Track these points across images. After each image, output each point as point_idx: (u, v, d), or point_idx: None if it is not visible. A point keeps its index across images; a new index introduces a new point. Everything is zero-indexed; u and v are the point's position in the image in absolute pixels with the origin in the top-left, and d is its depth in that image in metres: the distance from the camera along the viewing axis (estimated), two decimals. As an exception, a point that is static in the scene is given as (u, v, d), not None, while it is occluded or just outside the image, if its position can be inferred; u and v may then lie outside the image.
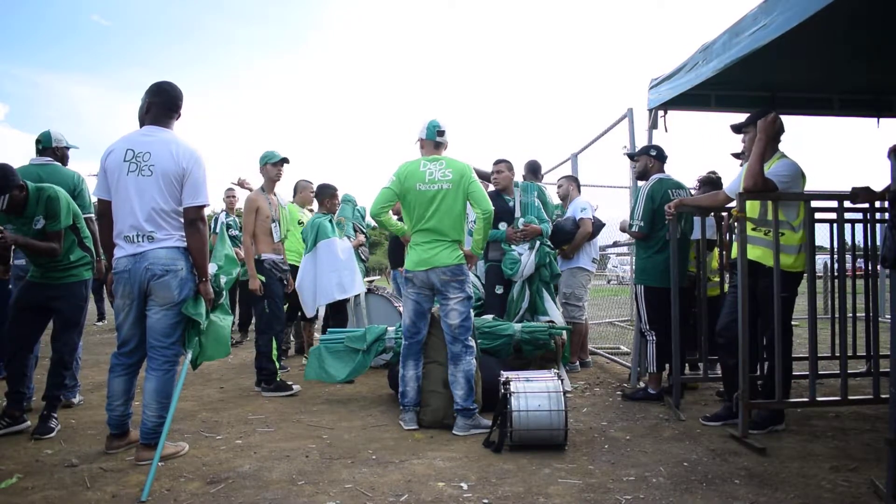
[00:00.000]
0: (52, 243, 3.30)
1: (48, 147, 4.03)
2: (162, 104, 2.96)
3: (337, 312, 5.37)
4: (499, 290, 4.83)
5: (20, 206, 3.25)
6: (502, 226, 4.81)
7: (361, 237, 5.93)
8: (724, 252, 4.07)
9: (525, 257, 4.66)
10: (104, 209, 2.93)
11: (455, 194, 3.47)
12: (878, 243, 3.76)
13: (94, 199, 3.67)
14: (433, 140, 3.61)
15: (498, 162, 4.89)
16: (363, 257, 5.92)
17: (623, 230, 4.90)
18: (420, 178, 3.47)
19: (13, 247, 3.38)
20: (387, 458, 2.96)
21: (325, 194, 5.46)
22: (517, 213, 4.79)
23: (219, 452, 3.05)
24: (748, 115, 3.50)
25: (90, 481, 2.64)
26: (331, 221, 5.39)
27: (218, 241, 3.47)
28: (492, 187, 4.92)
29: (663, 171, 4.28)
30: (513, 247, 4.71)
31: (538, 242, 4.74)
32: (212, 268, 3.11)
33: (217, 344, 3.15)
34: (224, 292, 3.18)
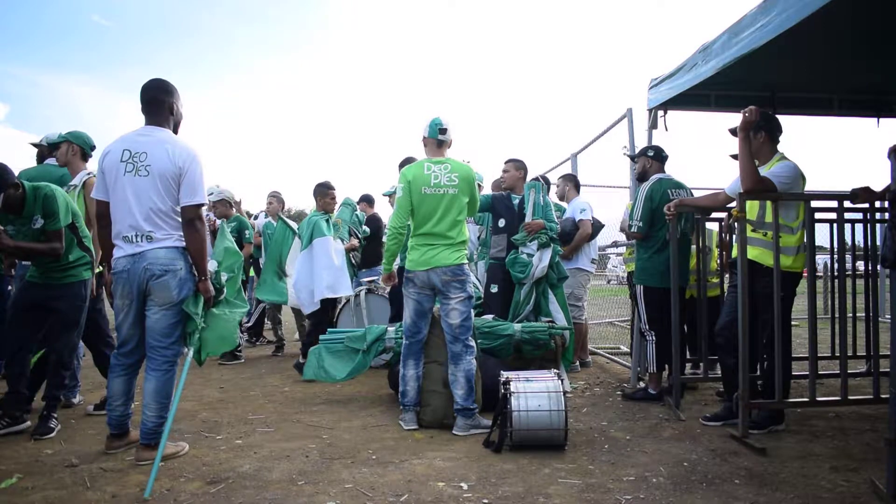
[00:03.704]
0: (52, 243, 3.28)
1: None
2: (148, 102, 2.96)
3: (322, 312, 5.31)
4: (493, 289, 4.82)
5: (17, 205, 3.24)
6: (501, 222, 4.82)
7: (355, 241, 5.88)
8: (724, 252, 4.07)
9: (536, 258, 4.60)
10: (103, 210, 2.93)
11: (461, 199, 3.48)
12: (878, 243, 3.77)
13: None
14: (435, 139, 3.59)
15: (506, 162, 4.90)
16: (353, 262, 5.87)
17: (623, 231, 4.90)
18: (425, 182, 3.47)
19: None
20: (387, 458, 2.96)
21: (318, 192, 5.47)
22: (528, 213, 4.74)
23: (219, 452, 3.05)
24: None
25: (90, 481, 2.64)
26: (327, 221, 5.37)
27: (218, 236, 3.44)
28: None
29: (663, 171, 4.28)
30: (522, 249, 4.67)
31: (547, 239, 4.69)
32: (212, 265, 3.11)
33: (221, 339, 3.13)
34: (225, 289, 3.18)
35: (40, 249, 3.27)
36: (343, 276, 5.25)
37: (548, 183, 5.84)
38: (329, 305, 5.34)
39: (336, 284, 5.19)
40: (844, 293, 3.56)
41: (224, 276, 3.17)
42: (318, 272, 5.16)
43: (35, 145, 4.34)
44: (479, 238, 5.71)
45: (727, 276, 4.13)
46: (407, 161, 5.30)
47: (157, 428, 2.88)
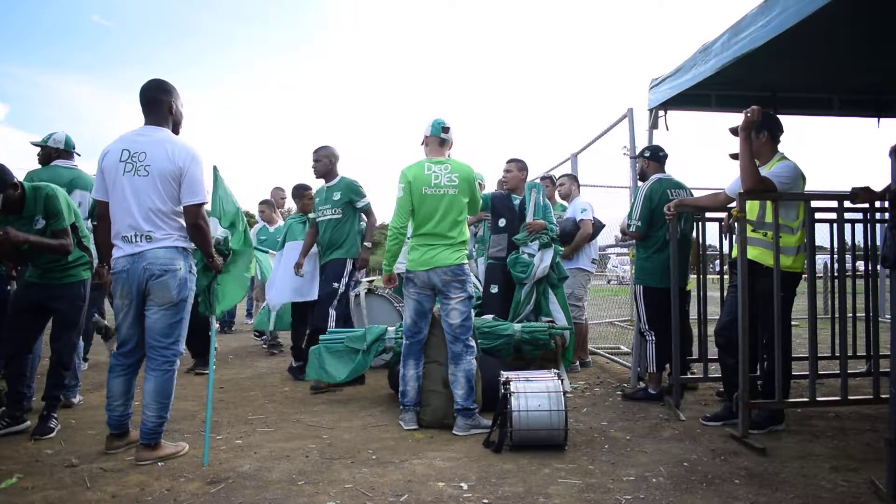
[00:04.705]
0: (61, 240, 3.28)
1: (69, 151, 4.26)
2: (147, 102, 2.96)
3: (301, 317, 5.26)
4: (493, 289, 4.81)
5: (17, 205, 3.24)
6: (501, 222, 4.82)
7: None
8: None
9: (537, 259, 4.58)
10: (102, 210, 2.93)
11: (461, 199, 3.48)
12: (878, 243, 3.77)
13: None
14: (438, 137, 3.59)
15: (508, 161, 4.89)
16: None
17: (623, 232, 4.89)
18: (426, 182, 3.46)
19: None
20: (387, 458, 2.96)
21: (295, 195, 5.49)
22: (529, 214, 4.72)
23: (219, 452, 3.05)
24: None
25: (90, 481, 2.64)
26: (304, 223, 5.34)
27: (214, 187, 3.27)
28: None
29: (663, 171, 4.28)
30: (523, 250, 4.66)
31: (548, 239, 4.65)
32: (214, 224, 3.17)
33: (235, 286, 3.36)
34: (232, 249, 3.29)
35: (51, 244, 3.26)
36: (313, 281, 5.12)
37: (554, 182, 5.85)
38: (308, 309, 5.21)
39: (304, 289, 5.10)
40: (844, 293, 3.56)
41: (230, 238, 3.28)
42: (285, 276, 5.16)
43: (38, 145, 4.31)
44: (475, 235, 5.70)
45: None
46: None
47: (157, 428, 2.88)
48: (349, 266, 4.84)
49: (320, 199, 4.99)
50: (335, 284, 4.75)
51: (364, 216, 4.98)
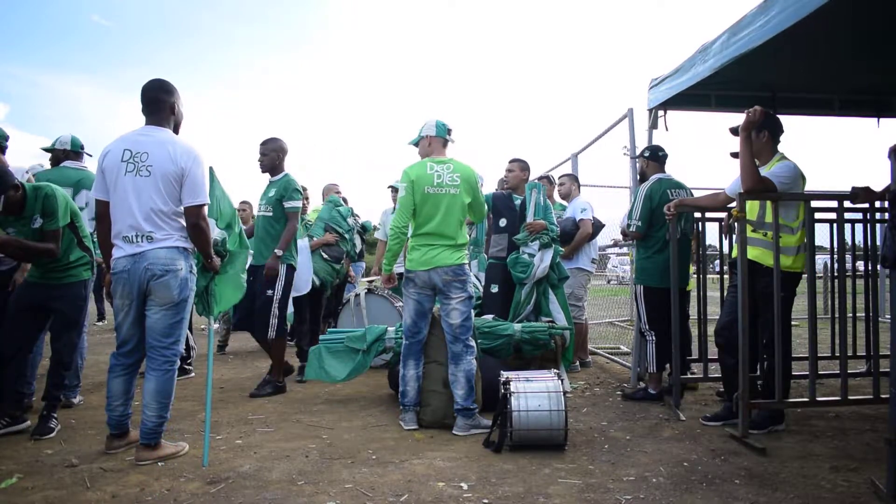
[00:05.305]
0: (48, 244, 3.26)
1: (77, 151, 4.30)
2: (149, 102, 2.96)
3: (299, 315, 5.20)
4: (494, 289, 4.81)
5: (17, 206, 3.24)
6: (502, 222, 4.82)
7: (328, 237, 5.74)
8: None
9: (537, 259, 4.59)
10: (103, 210, 2.93)
11: (462, 199, 3.48)
12: (878, 243, 3.77)
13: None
14: (443, 138, 3.59)
15: (510, 161, 4.89)
16: (324, 256, 5.71)
17: (623, 232, 4.90)
18: (428, 181, 3.46)
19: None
20: (387, 458, 2.96)
21: None
22: (530, 214, 4.72)
23: (219, 452, 3.05)
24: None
25: (90, 481, 2.64)
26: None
27: (211, 188, 3.15)
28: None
29: (663, 171, 4.28)
30: (523, 250, 4.66)
31: (549, 240, 4.65)
32: (211, 224, 3.16)
33: (233, 289, 3.37)
34: (229, 251, 3.31)
35: (36, 248, 3.25)
36: (305, 274, 5.01)
37: (552, 182, 5.86)
38: (305, 305, 5.18)
39: (297, 283, 4.92)
40: (844, 293, 3.56)
41: (227, 239, 3.29)
42: None
43: (48, 150, 4.38)
44: (470, 237, 5.70)
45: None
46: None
47: (157, 428, 2.88)
48: (282, 270, 4.40)
49: (262, 194, 4.69)
50: (269, 292, 4.37)
51: (287, 219, 4.43)
